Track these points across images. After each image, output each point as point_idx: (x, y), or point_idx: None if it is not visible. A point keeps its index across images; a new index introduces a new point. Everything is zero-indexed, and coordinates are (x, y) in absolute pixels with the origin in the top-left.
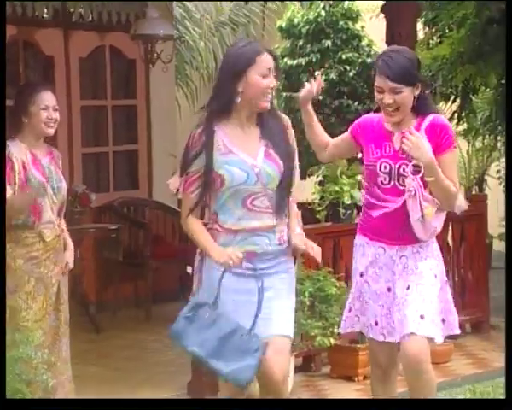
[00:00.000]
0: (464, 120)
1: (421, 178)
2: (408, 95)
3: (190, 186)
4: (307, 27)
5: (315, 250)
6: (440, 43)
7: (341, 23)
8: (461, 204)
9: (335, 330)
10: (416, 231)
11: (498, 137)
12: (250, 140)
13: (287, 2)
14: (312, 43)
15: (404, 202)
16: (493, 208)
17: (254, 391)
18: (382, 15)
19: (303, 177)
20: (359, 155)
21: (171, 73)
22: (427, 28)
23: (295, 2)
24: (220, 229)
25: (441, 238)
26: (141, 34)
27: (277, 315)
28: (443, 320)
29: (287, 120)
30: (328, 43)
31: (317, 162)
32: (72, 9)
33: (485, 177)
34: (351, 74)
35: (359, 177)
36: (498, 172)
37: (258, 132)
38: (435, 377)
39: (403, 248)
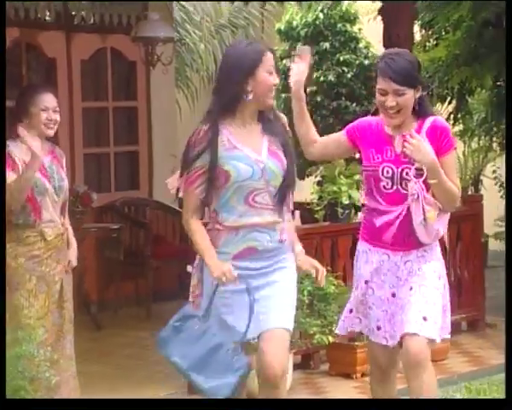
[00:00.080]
0: (460, 121)
1: (424, 182)
2: (410, 97)
3: (194, 183)
4: (306, 30)
5: (320, 273)
6: (437, 45)
7: (339, 25)
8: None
9: (334, 328)
10: (419, 235)
11: (494, 138)
12: (253, 137)
13: (285, 2)
14: (310, 45)
15: (408, 207)
16: (489, 208)
17: (254, 388)
18: (380, 18)
19: (301, 177)
20: (357, 156)
21: (172, 74)
22: (423, 31)
23: (293, 4)
24: (221, 227)
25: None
26: (141, 36)
27: (276, 311)
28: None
29: (285, 119)
30: (327, 45)
31: (316, 163)
32: (74, 12)
33: (481, 177)
34: (349, 76)
35: (357, 177)
36: (494, 172)
37: (260, 129)
38: (435, 377)
39: (407, 253)
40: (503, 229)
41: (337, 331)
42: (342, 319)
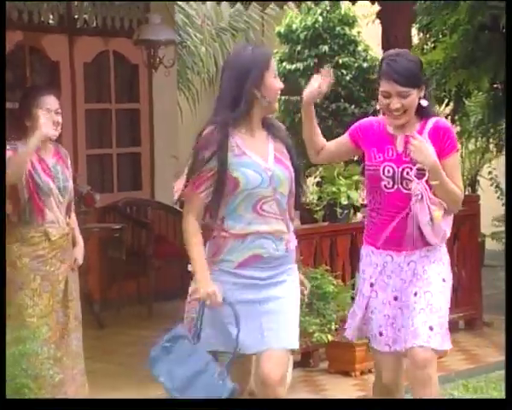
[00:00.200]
0: (457, 122)
1: (427, 182)
2: (415, 97)
3: (200, 186)
4: (305, 33)
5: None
6: (434, 48)
7: (338, 29)
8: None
9: (333, 327)
10: (427, 235)
11: (490, 140)
12: (260, 143)
13: (285, 6)
14: (310, 48)
15: (410, 207)
16: (486, 208)
17: (254, 388)
18: (378, 21)
19: None
20: (355, 157)
21: (173, 77)
22: (421, 34)
23: (293, 8)
24: (227, 235)
25: None
26: (144, 40)
27: (282, 329)
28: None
29: (283, 126)
30: (326, 48)
31: (315, 164)
32: (76, 15)
33: (478, 178)
34: (347, 78)
35: (356, 178)
36: (490, 173)
37: (266, 136)
38: (439, 388)
39: (411, 253)
40: (500, 229)
41: (348, 336)
42: (349, 325)
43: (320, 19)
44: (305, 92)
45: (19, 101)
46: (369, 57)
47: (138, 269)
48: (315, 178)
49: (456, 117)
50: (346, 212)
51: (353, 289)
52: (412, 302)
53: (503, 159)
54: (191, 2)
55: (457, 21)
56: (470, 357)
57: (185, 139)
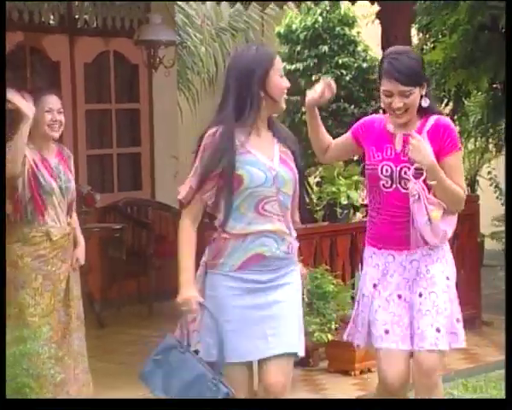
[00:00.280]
0: (457, 122)
1: (425, 181)
2: (417, 96)
3: (202, 187)
4: (305, 33)
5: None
6: (434, 48)
7: (338, 29)
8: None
9: (333, 326)
10: (426, 236)
11: (490, 140)
12: (266, 143)
13: (285, 6)
14: (310, 48)
15: (409, 206)
16: (485, 208)
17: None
18: (378, 21)
19: None
20: (355, 157)
21: (173, 77)
22: (420, 34)
23: (292, 8)
24: (228, 236)
25: None
26: (144, 40)
27: (286, 335)
28: (457, 320)
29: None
30: (325, 48)
31: (315, 164)
32: (77, 16)
33: (477, 178)
34: (347, 78)
35: (356, 178)
36: (489, 173)
37: (271, 136)
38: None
39: (412, 252)
40: (499, 229)
41: (363, 346)
42: (360, 331)
43: (320, 19)
44: (307, 97)
45: None
46: (368, 57)
47: (139, 269)
48: (315, 178)
49: (456, 117)
50: (345, 212)
51: (353, 288)
52: (417, 303)
53: (502, 159)
54: (191, 3)
55: (457, 21)
56: (469, 356)
57: (185, 139)
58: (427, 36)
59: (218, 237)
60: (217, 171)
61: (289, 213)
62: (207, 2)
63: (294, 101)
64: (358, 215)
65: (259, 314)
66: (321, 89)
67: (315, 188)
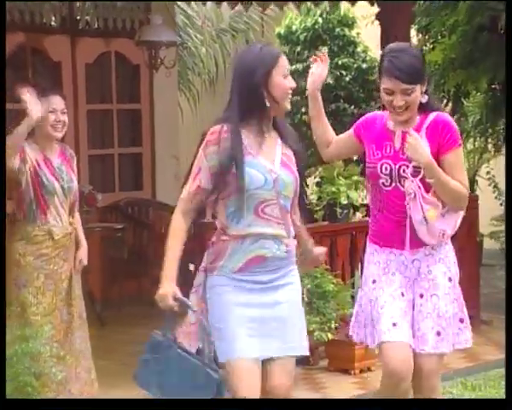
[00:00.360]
0: (456, 122)
1: (422, 180)
2: (418, 93)
3: (202, 183)
4: (305, 34)
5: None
6: (433, 49)
7: (338, 30)
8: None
9: (332, 326)
10: (421, 235)
11: (489, 140)
12: (268, 145)
13: (285, 7)
14: (310, 49)
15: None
16: (484, 208)
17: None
18: (377, 22)
19: None
20: (355, 158)
21: (174, 78)
22: (420, 35)
23: (292, 9)
24: (227, 238)
25: None
26: (145, 41)
27: (289, 335)
28: (460, 320)
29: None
30: (325, 49)
31: (315, 164)
32: (78, 17)
33: (476, 178)
34: (347, 79)
35: (355, 178)
36: (488, 173)
37: (275, 138)
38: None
39: (415, 251)
40: (498, 228)
41: (372, 346)
42: (363, 328)
43: (320, 20)
44: (308, 83)
45: None
46: (368, 58)
47: (139, 268)
48: (315, 178)
49: (455, 117)
50: (345, 212)
51: (353, 288)
52: (418, 304)
53: (500, 159)
54: (192, 4)
55: (456, 22)
56: (469, 355)
57: (186, 139)
58: (427, 37)
59: (217, 240)
60: (213, 167)
61: (289, 215)
62: (208, 4)
63: (294, 101)
64: (358, 215)
65: (261, 313)
66: (318, 68)
67: (315, 188)
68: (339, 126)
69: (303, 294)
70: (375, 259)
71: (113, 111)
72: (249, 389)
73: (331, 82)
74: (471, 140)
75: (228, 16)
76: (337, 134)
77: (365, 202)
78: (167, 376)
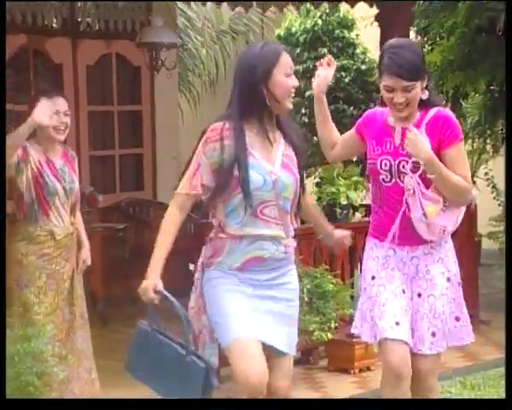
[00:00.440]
0: None
1: (421, 176)
2: (419, 89)
3: (203, 179)
4: (304, 36)
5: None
6: (432, 50)
7: (337, 31)
8: (472, 197)
9: (332, 325)
10: (420, 232)
11: (487, 141)
12: (269, 146)
13: (284, 9)
14: (309, 50)
15: (404, 201)
16: (482, 209)
17: None
18: (376, 24)
19: None
20: (354, 158)
21: (175, 79)
22: (419, 36)
23: (292, 11)
24: (224, 236)
25: None
26: (146, 42)
27: (285, 332)
28: (456, 318)
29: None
30: (325, 50)
31: (315, 164)
32: (79, 19)
33: (475, 179)
34: (346, 80)
35: (355, 178)
36: (487, 174)
37: (279, 137)
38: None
39: (414, 248)
40: (496, 229)
41: (369, 341)
42: (369, 328)
43: (319, 22)
44: (314, 85)
45: (28, 102)
46: (367, 60)
47: (141, 268)
48: (314, 178)
49: None
50: (345, 212)
51: (352, 287)
52: (415, 303)
53: (498, 160)
54: (192, 6)
55: (454, 24)
56: (467, 355)
57: (186, 140)
58: (425, 38)
59: (215, 237)
60: (212, 164)
61: (289, 216)
62: (208, 5)
63: (295, 102)
64: (358, 215)
65: (257, 304)
66: (325, 72)
67: (315, 188)
68: (338, 127)
69: (303, 293)
70: (374, 254)
71: (114, 112)
72: (253, 362)
73: (330, 83)
74: (469, 141)
75: (228, 18)
76: None
77: (365, 202)
78: (154, 365)
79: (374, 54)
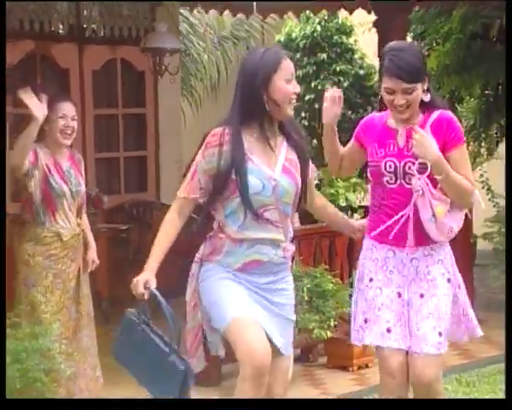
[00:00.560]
0: None
1: (429, 177)
2: (419, 91)
3: (200, 184)
4: (304, 41)
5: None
6: (428, 56)
7: (336, 37)
8: (476, 198)
9: (332, 324)
10: (430, 232)
11: (482, 144)
12: (270, 151)
13: (285, 15)
14: (309, 56)
15: (414, 203)
16: (478, 210)
17: None
18: (374, 30)
19: None
20: None
21: (178, 83)
22: (415, 42)
23: (292, 17)
24: (224, 236)
25: None
26: (150, 48)
27: (283, 334)
28: (457, 323)
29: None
30: (324, 56)
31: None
32: (85, 25)
33: None
34: (345, 85)
35: (353, 180)
36: (481, 176)
37: (281, 141)
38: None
39: (414, 250)
40: (491, 230)
41: (355, 342)
42: (356, 329)
43: (318, 28)
44: (324, 118)
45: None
46: (365, 65)
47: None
48: (314, 180)
49: None
50: (344, 213)
51: (351, 287)
52: (417, 304)
53: (493, 162)
54: (194, 12)
55: (450, 30)
56: (463, 352)
57: (188, 143)
58: (422, 44)
59: (215, 235)
60: (230, 174)
61: (289, 219)
62: (210, 12)
63: (294, 106)
64: (356, 217)
65: (254, 296)
66: (334, 105)
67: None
68: (338, 132)
69: (303, 292)
70: (374, 255)
71: (118, 116)
72: (256, 335)
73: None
74: (465, 145)
75: (229, 24)
76: None
77: (363, 203)
78: (137, 355)
79: (372, 59)
